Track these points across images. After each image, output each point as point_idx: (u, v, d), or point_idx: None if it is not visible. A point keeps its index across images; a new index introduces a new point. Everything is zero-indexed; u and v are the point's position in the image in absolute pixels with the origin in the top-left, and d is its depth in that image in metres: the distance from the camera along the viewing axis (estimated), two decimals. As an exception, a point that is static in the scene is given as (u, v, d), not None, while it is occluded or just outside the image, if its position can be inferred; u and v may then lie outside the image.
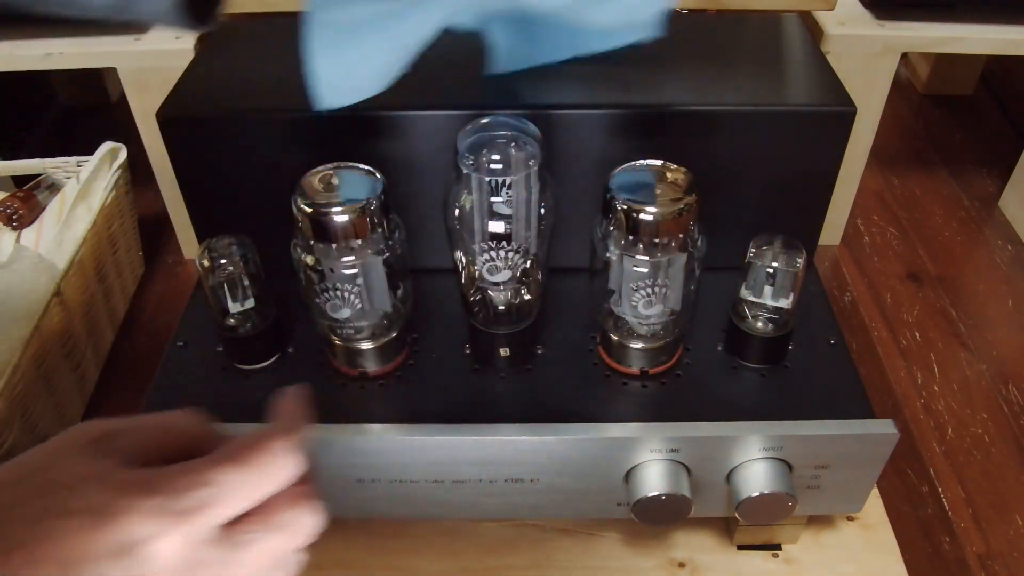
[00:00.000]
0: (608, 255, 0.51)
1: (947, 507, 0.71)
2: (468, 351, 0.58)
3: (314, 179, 0.49)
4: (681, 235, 0.50)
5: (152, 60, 0.82)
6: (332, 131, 0.57)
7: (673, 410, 0.54)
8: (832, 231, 1.00)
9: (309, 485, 0.35)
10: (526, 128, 0.50)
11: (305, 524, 0.34)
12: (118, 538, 0.28)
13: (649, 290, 0.51)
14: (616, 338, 0.55)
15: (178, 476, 0.30)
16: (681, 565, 0.61)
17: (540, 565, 0.61)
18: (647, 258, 0.50)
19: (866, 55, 0.84)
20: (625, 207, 0.48)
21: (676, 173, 0.50)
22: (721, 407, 0.55)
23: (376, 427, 0.50)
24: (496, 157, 0.48)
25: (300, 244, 0.50)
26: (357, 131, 0.57)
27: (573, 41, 0.57)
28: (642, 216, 0.48)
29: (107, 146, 0.89)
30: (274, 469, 0.33)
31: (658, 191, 0.49)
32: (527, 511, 0.55)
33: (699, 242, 0.51)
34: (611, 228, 0.50)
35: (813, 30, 0.84)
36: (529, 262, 0.52)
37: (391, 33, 0.45)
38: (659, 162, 0.51)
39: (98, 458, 0.31)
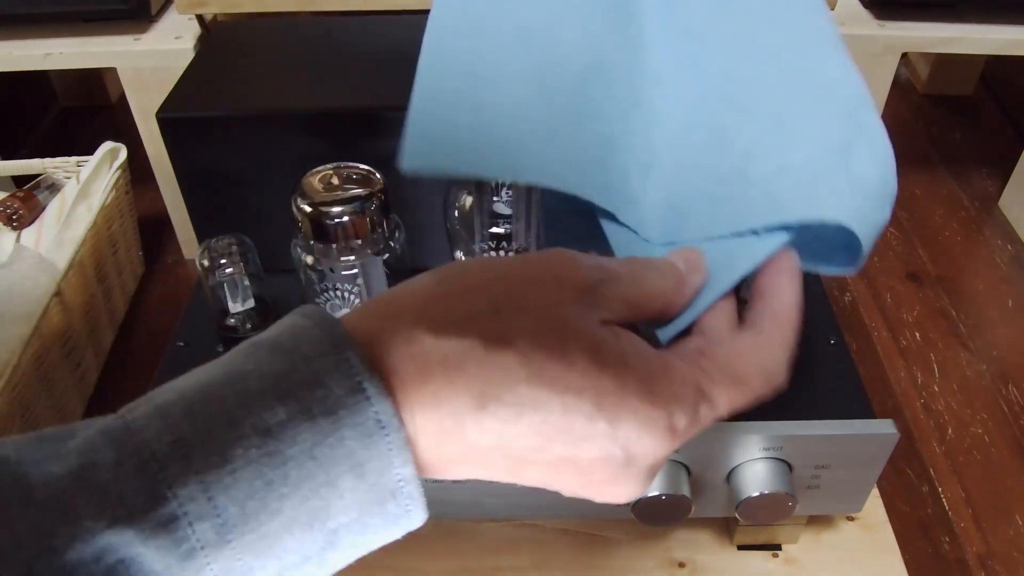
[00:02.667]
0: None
1: (947, 507, 0.71)
2: (468, 351, 0.58)
3: (314, 179, 0.49)
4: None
5: (152, 60, 0.82)
6: (332, 131, 0.57)
7: (673, 410, 0.54)
8: (832, 231, 1.00)
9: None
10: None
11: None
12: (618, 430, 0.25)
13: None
14: (616, 338, 0.55)
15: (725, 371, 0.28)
16: (681, 565, 0.61)
17: (540, 565, 0.61)
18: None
19: (866, 55, 0.84)
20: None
21: None
22: (721, 407, 0.54)
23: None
24: (496, 157, 0.48)
25: (300, 244, 0.50)
26: (357, 131, 0.57)
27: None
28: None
29: (107, 146, 0.90)
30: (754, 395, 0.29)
31: None
32: (527, 511, 0.55)
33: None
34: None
35: (813, 30, 0.84)
36: (529, 262, 0.52)
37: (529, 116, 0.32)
38: None
39: (589, 312, 0.27)
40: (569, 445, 0.25)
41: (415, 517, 0.26)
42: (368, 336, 0.24)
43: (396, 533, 0.26)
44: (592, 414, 0.25)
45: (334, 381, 0.23)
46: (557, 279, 0.27)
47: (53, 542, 0.20)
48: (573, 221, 0.36)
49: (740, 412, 0.29)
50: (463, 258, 0.53)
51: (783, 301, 0.31)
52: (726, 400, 0.28)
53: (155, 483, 0.21)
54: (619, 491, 0.29)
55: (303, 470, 0.22)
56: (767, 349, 0.30)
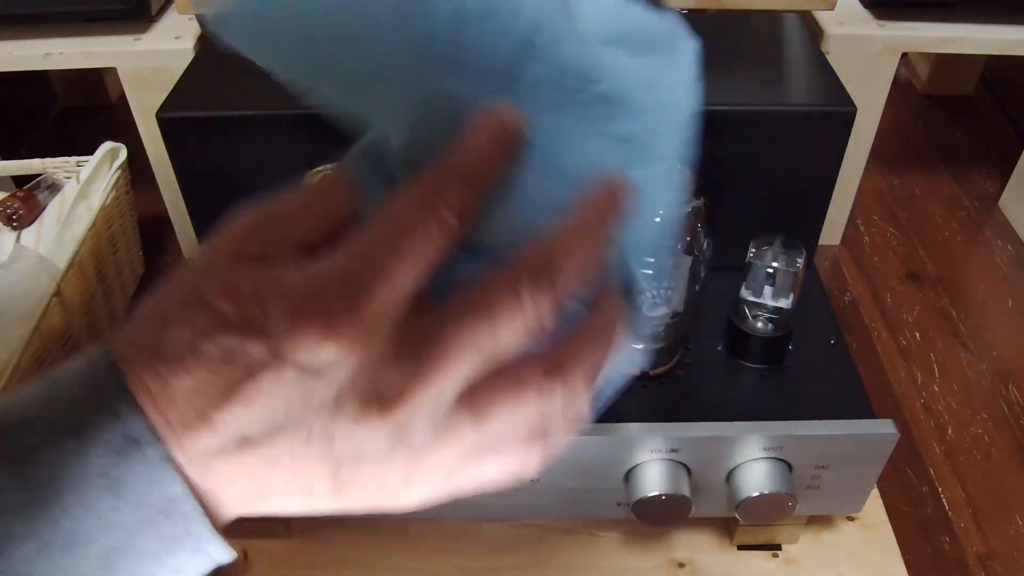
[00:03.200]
0: (609, 255, 0.51)
1: (947, 507, 0.71)
2: (468, 351, 0.58)
3: (314, 179, 0.49)
4: (688, 238, 0.50)
5: (152, 60, 0.82)
6: (332, 131, 0.57)
7: (673, 410, 0.54)
8: (832, 231, 1.00)
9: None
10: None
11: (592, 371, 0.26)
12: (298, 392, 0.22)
13: (653, 292, 0.51)
14: (616, 338, 0.55)
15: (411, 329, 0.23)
16: (681, 565, 0.61)
17: (540, 565, 0.61)
18: (652, 260, 0.50)
19: (866, 55, 0.84)
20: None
21: (683, 175, 0.50)
22: (721, 407, 0.55)
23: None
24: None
25: (300, 244, 0.50)
26: (357, 131, 0.57)
27: None
28: (646, 217, 0.48)
29: (107, 146, 0.89)
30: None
31: None
32: (527, 511, 0.55)
33: (704, 245, 0.51)
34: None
35: (813, 30, 0.84)
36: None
37: None
38: None
39: (254, 265, 0.24)
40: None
41: (209, 542, 0.24)
42: (125, 353, 0.23)
43: (198, 561, 0.24)
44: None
45: (87, 401, 0.23)
46: (211, 246, 0.26)
47: None
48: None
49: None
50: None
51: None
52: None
53: None
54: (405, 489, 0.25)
55: (52, 491, 0.22)
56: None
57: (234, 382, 0.22)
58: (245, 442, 0.23)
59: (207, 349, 0.22)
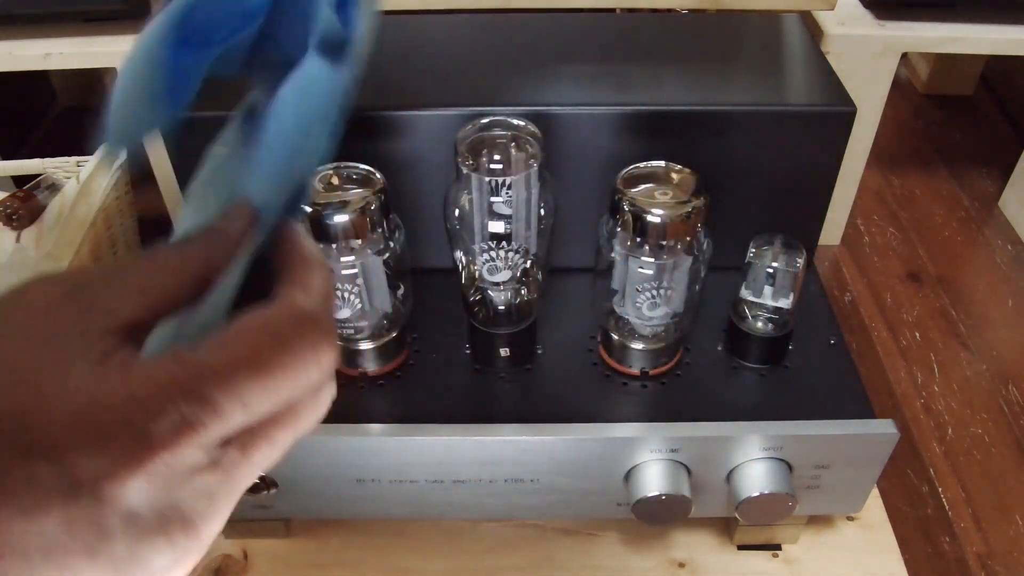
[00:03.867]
0: (613, 255, 0.51)
1: (947, 507, 0.71)
2: (468, 351, 0.58)
3: (314, 179, 0.49)
4: (688, 238, 0.50)
5: (152, 60, 0.82)
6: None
7: (673, 410, 0.54)
8: (832, 231, 1.00)
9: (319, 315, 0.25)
10: (526, 127, 0.50)
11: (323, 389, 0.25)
12: (60, 481, 0.20)
13: (653, 292, 0.51)
14: (617, 338, 0.55)
15: (161, 383, 0.21)
16: (681, 565, 0.61)
17: (540, 565, 0.61)
18: (653, 260, 0.50)
19: (866, 55, 0.84)
20: (632, 208, 0.48)
21: (683, 175, 0.50)
22: (721, 407, 0.55)
23: (376, 427, 0.50)
24: (496, 157, 0.48)
25: (300, 244, 0.50)
26: (357, 131, 0.57)
27: None
28: (649, 218, 0.48)
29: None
30: (304, 367, 0.23)
31: (666, 193, 0.49)
32: (527, 511, 0.55)
33: (704, 245, 0.51)
34: (617, 229, 0.50)
35: (813, 30, 0.84)
36: (529, 262, 0.52)
37: None
38: (666, 163, 0.51)
39: (47, 347, 0.22)
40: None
41: None
42: None
43: None
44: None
45: None
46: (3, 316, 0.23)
47: None
48: None
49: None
50: (463, 258, 0.53)
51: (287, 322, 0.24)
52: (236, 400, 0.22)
53: None
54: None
55: None
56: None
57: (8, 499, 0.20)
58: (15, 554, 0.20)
59: None
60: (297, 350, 0.23)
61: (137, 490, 0.21)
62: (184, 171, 0.60)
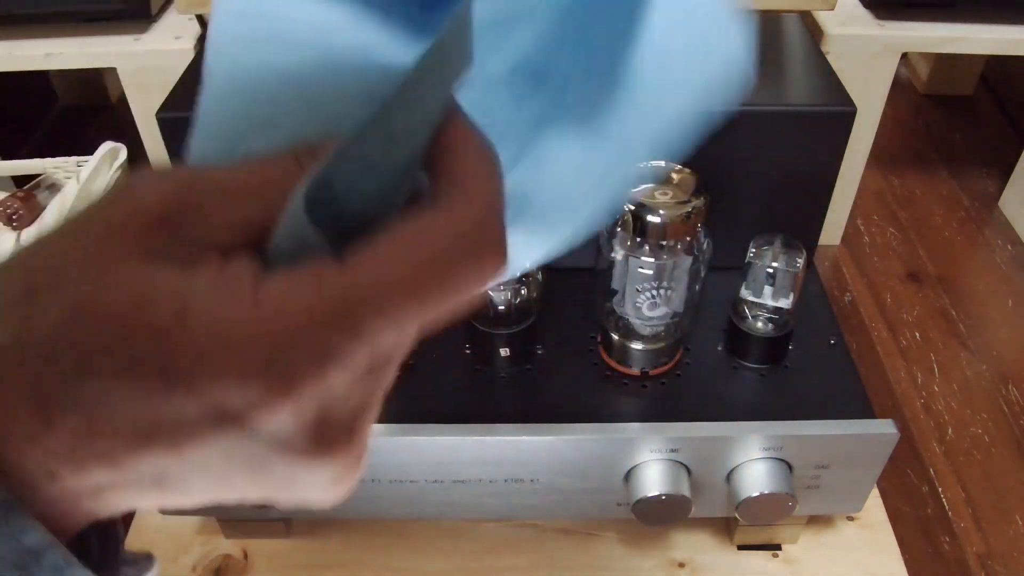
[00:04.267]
0: (613, 255, 0.51)
1: (947, 507, 0.71)
2: (468, 351, 0.58)
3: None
4: (688, 238, 0.50)
5: (152, 60, 0.82)
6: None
7: (673, 410, 0.54)
8: (832, 231, 1.00)
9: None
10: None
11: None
12: (206, 413, 0.19)
13: (654, 292, 0.51)
14: (617, 338, 0.55)
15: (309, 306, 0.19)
16: (681, 565, 0.61)
17: (540, 565, 0.61)
18: (653, 260, 0.50)
19: (866, 55, 0.84)
20: (632, 208, 0.48)
21: (683, 175, 0.50)
22: (721, 407, 0.55)
23: (376, 427, 0.50)
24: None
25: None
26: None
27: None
28: (649, 218, 0.48)
29: (107, 146, 0.89)
30: (468, 288, 0.21)
31: (666, 193, 0.49)
32: (527, 511, 0.55)
33: (704, 245, 0.51)
34: (617, 228, 0.50)
35: (813, 30, 0.84)
36: (529, 262, 0.52)
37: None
38: (666, 163, 0.51)
39: (162, 262, 0.19)
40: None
41: None
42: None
43: None
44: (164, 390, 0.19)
45: None
46: (109, 226, 0.20)
47: None
48: None
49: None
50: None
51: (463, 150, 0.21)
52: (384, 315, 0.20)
53: None
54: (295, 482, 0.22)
55: None
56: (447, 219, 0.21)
57: (152, 432, 0.19)
58: (157, 482, 0.20)
59: (112, 397, 0.18)
60: (460, 270, 0.20)
61: (286, 418, 0.19)
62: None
